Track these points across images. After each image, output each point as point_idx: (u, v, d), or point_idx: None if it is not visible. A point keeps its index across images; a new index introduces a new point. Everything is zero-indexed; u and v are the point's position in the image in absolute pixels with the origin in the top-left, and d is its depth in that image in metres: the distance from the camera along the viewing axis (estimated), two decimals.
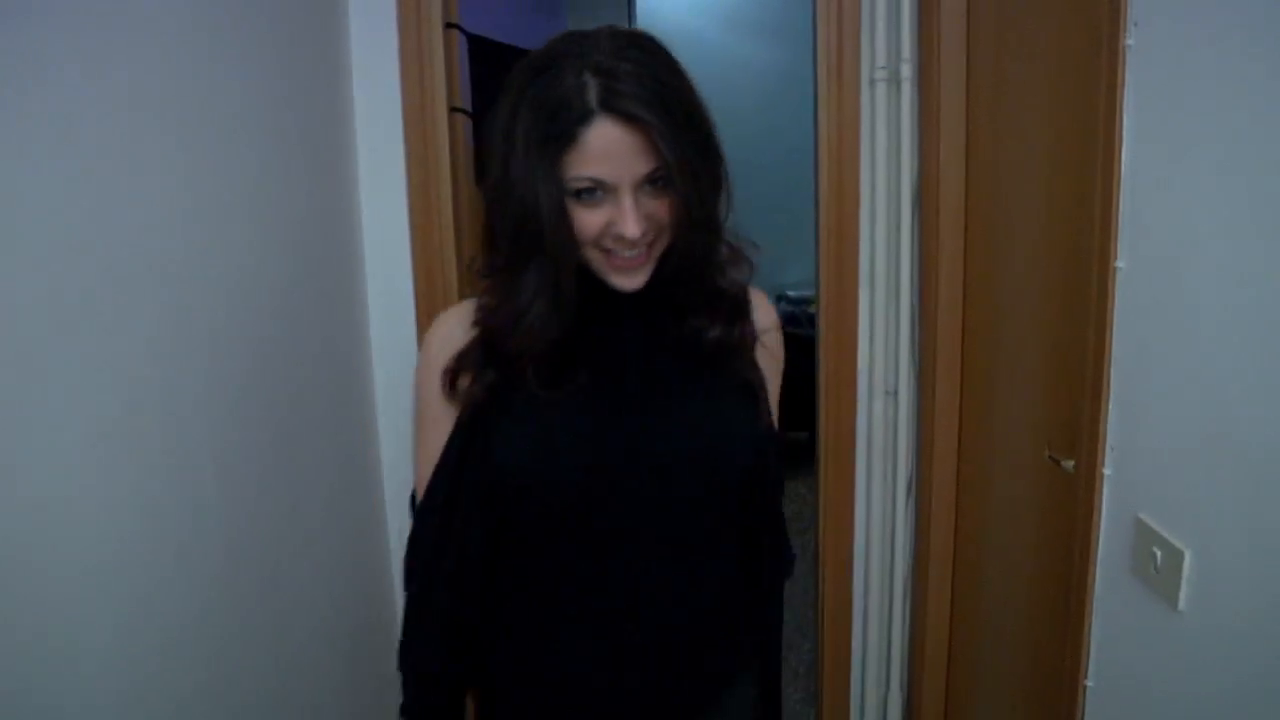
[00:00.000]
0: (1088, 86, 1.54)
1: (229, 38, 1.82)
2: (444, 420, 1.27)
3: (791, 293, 5.69)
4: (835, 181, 2.44)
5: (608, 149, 1.09)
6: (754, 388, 1.31)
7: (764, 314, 1.37)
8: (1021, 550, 2.06)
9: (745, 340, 1.29)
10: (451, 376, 1.25)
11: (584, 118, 1.07)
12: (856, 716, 2.78)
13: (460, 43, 2.49)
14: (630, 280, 1.19)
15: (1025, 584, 2.03)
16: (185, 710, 1.63)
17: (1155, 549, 1.38)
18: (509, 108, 1.15)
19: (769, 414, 1.34)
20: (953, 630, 2.51)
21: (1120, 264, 1.48)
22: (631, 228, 1.11)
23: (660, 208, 1.15)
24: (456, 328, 1.29)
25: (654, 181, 1.13)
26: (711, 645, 1.32)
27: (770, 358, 1.36)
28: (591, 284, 1.20)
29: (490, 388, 1.22)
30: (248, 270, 1.86)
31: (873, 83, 2.40)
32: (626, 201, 1.11)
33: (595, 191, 1.12)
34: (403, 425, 2.56)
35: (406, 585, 1.36)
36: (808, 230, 2.59)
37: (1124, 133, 1.45)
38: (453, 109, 2.45)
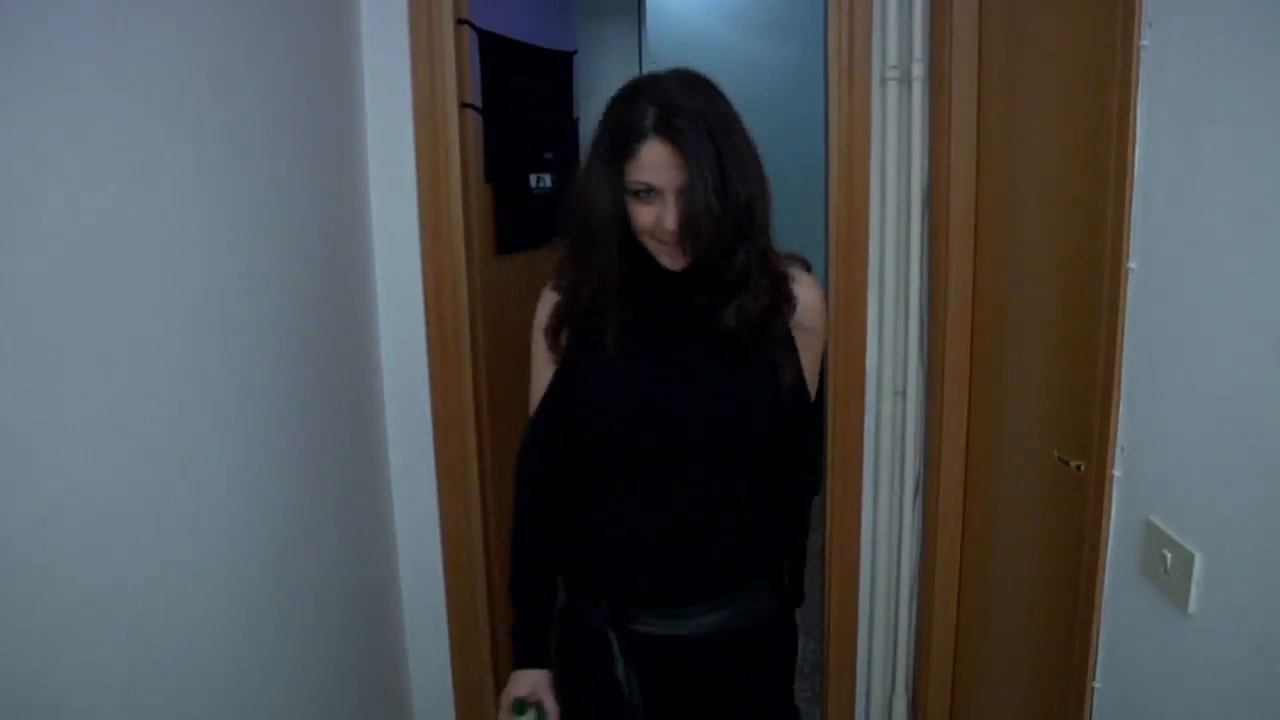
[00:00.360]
0: (1101, 87, 1.53)
1: (241, 35, 1.83)
2: (546, 366, 1.68)
3: None
4: (845, 181, 2.44)
5: (656, 161, 1.41)
6: (777, 364, 1.56)
7: (806, 291, 1.60)
8: (1029, 551, 2.06)
9: (774, 323, 1.55)
10: (551, 335, 1.64)
11: (641, 137, 1.41)
12: (862, 717, 2.77)
13: (471, 39, 2.49)
14: (674, 262, 1.51)
15: (1033, 585, 2.03)
16: (194, 704, 1.63)
17: (1166, 551, 1.38)
18: (598, 128, 1.51)
19: (798, 381, 1.60)
20: (959, 631, 2.50)
21: (1132, 265, 1.48)
22: (670, 222, 1.44)
23: (691, 210, 1.42)
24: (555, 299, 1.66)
25: (686, 190, 1.42)
26: (724, 545, 1.62)
27: (808, 334, 1.61)
28: (649, 272, 1.53)
29: (570, 345, 1.62)
30: (258, 267, 1.87)
31: (884, 82, 2.39)
32: (669, 200, 1.43)
33: (648, 193, 1.44)
34: (411, 421, 2.57)
35: (517, 492, 1.73)
36: (817, 230, 2.59)
37: (1137, 133, 1.44)
38: (463, 105, 2.45)
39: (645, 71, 1.60)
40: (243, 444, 1.79)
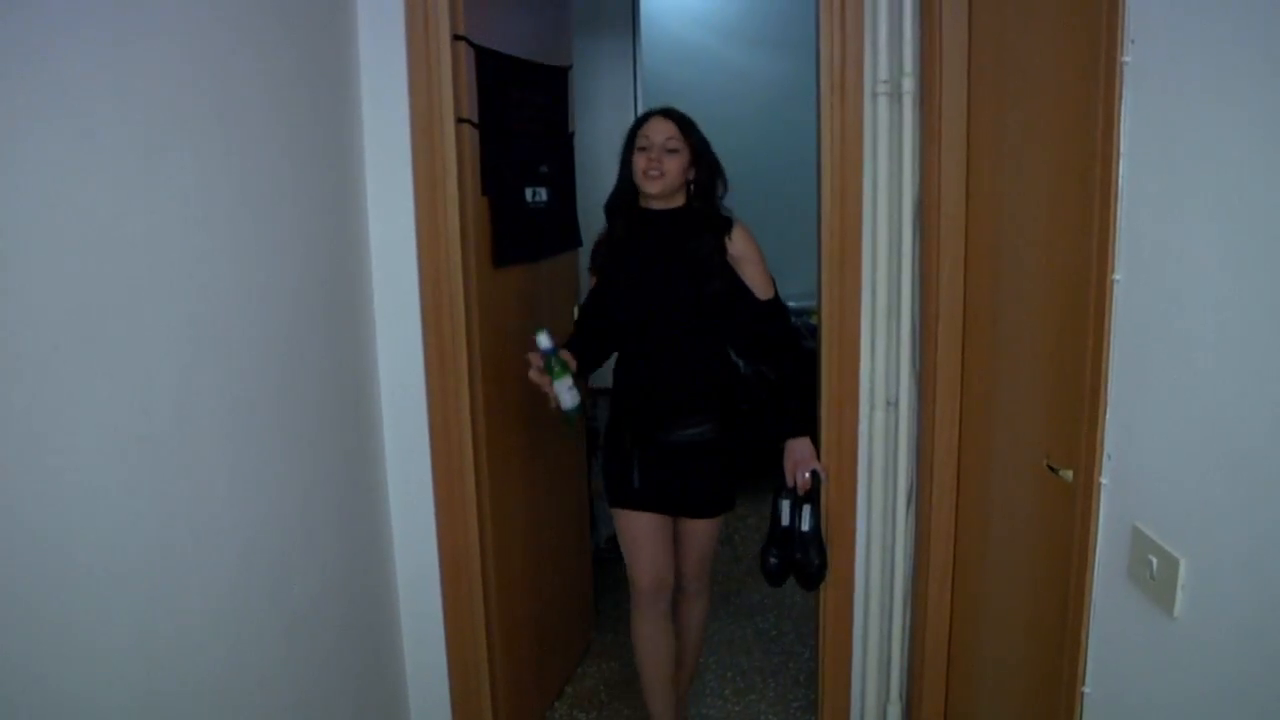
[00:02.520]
0: (1086, 102, 1.56)
1: (243, 55, 1.86)
2: (591, 282, 2.76)
3: (793, 304, 5.67)
4: (837, 193, 2.47)
5: (654, 128, 2.54)
6: (715, 274, 2.54)
7: (736, 232, 2.57)
8: (1020, 559, 2.08)
9: (714, 252, 2.54)
10: (595, 262, 2.73)
11: (649, 115, 2.59)
12: None
13: (467, 55, 2.51)
14: (651, 186, 2.53)
15: (1024, 592, 2.05)
16: (198, 706, 1.65)
17: (1151, 557, 1.40)
18: (629, 130, 2.64)
19: (731, 285, 2.56)
20: (952, 638, 2.52)
21: (1118, 276, 1.50)
22: (655, 159, 2.52)
23: (673, 161, 2.52)
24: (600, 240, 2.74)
25: (670, 149, 2.52)
26: (691, 390, 2.63)
27: (743, 261, 2.57)
28: (644, 220, 2.61)
29: (602, 268, 2.71)
30: (257, 279, 1.89)
31: (875, 96, 2.42)
32: (656, 146, 2.52)
33: (646, 147, 2.53)
34: (408, 432, 2.59)
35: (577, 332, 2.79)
36: (809, 242, 2.62)
37: (1121, 147, 1.47)
38: (460, 120, 2.48)
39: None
40: (243, 453, 1.82)
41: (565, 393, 2.48)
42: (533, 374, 2.50)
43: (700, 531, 2.74)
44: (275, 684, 1.94)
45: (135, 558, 1.48)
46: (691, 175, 2.56)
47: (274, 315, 1.96)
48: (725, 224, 2.56)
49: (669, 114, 2.56)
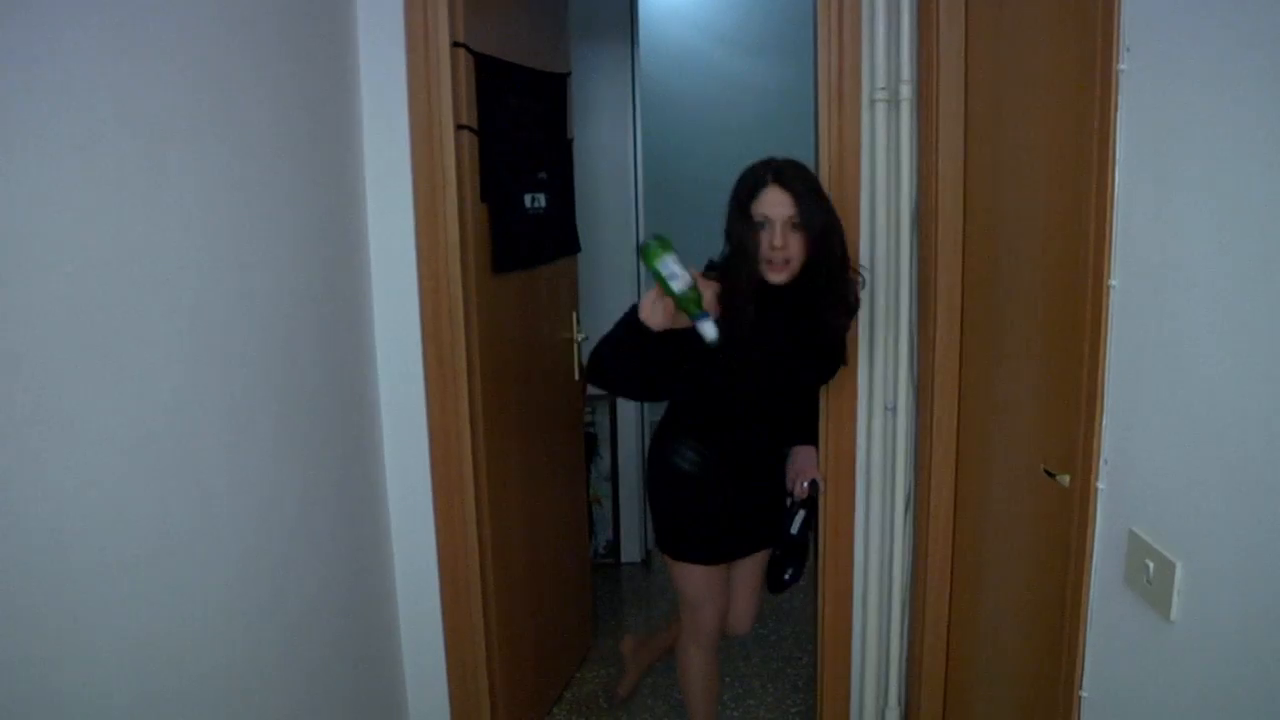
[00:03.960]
0: (1082, 109, 1.57)
1: (243, 62, 1.86)
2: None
3: None
4: (836, 199, 2.47)
5: (772, 200, 2.20)
6: (834, 349, 2.39)
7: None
8: (1018, 563, 2.09)
9: (840, 325, 2.34)
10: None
11: (763, 184, 2.22)
12: None
13: (467, 62, 2.52)
14: (777, 276, 2.23)
15: (1021, 597, 2.06)
16: (196, 709, 1.66)
17: (1148, 561, 1.41)
18: (733, 189, 2.27)
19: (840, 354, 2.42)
20: (950, 643, 2.53)
21: (1114, 282, 1.51)
22: (779, 240, 2.18)
23: (796, 240, 2.21)
24: (712, 295, 2.20)
25: (794, 225, 2.19)
26: (765, 466, 2.63)
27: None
28: (766, 291, 2.24)
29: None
30: (257, 286, 1.90)
31: (873, 103, 2.44)
32: (778, 227, 2.19)
33: (764, 224, 2.20)
34: (408, 437, 2.59)
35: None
36: None
37: (1117, 154, 1.48)
38: (459, 126, 2.49)
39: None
40: (241, 458, 1.82)
41: (710, 328, 2.07)
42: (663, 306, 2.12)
43: (756, 563, 2.70)
44: (273, 688, 1.94)
45: (133, 562, 1.48)
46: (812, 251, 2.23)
47: (273, 321, 1.97)
48: (855, 305, 2.38)
49: (784, 181, 2.20)
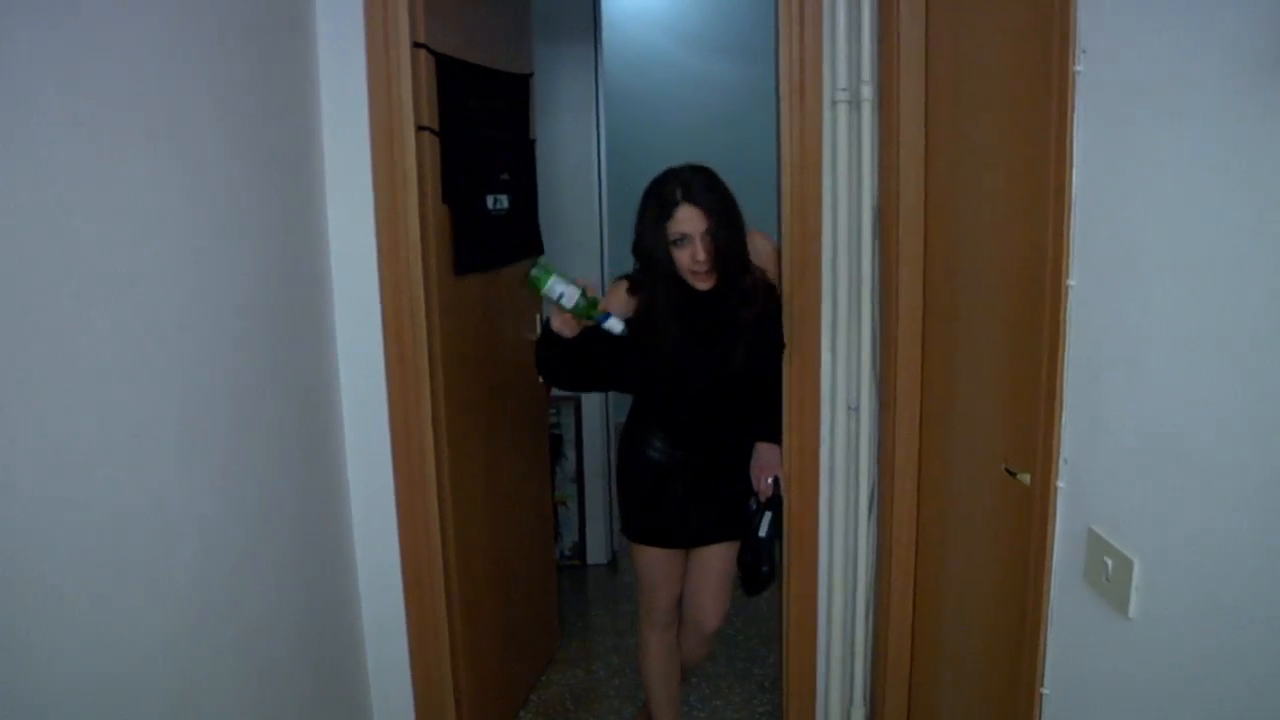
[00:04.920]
0: (1039, 110, 1.58)
1: (199, 56, 1.84)
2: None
3: None
4: (798, 200, 2.49)
5: (686, 218, 2.36)
6: (762, 337, 2.53)
7: (755, 244, 2.54)
8: (980, 562, 2.10)
9: (759, 313, 2.50)
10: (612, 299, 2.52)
11: (675, 204, 2.36)
12: None
13: (428, 63, 2.51)
14: (703, 283, 2.43)
15: (984, 595, 2.07)
16: (152, 714, 1.64)
17: (1107, 559, 1.42)
18: (643, 202, 2.44)
19: (776, 340, 2.58)
20: (915, 642, 2.54)
21: (1072, 282, 1.52)
22: (700, 255, 2.36)
23: (712, 248, 2.37)
24: (624, 292, 2.52)
25: (709, 233, 2.36)
26: (739, 431, 2.70)
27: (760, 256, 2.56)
28: (687, 290, 2.44)
29: (640, 330, 2.45)
30: (215, 288, 1.88)
31: (834, 104, 2.44)
32: (697, 244, 2.36)
33: (681, 240, 2.37)
34: (370, 439, 2.58)
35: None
36: None
37: (1074, 154, 1.49)
38: (420, 128, 2.47)
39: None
40: (197, 459, 1.80)
41: (615, 324, 2.37)
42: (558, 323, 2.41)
43: (720, 555, 2.73)
44: (232, 693, 1.92)
45: (85, 565, 1.46)
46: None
47: (231, 323, 1.95)
48: (771, 293, 2.55)
49: (694, 199, 2.36)
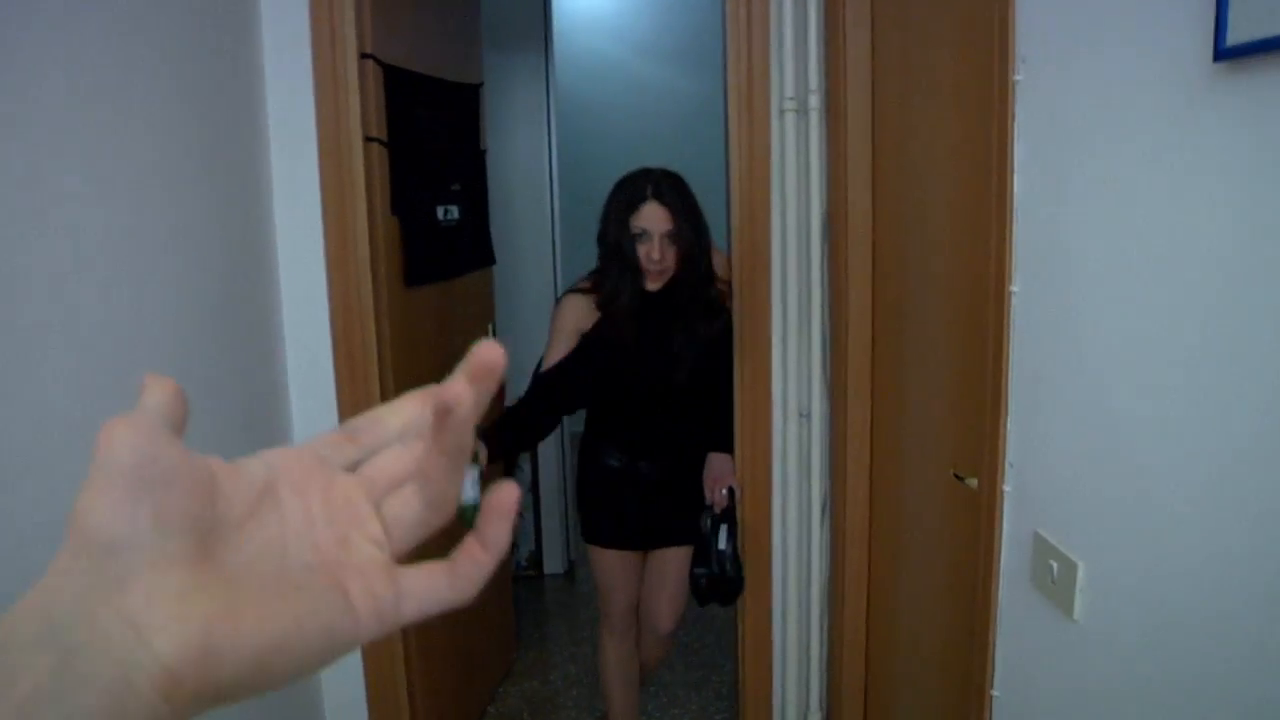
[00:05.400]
0: (982, 119, 1.60)
1: (140, 64, 1.82)
2: (564, 342, 2.61)
3: None
4: (747, 208, 2.50)
5: (650, 215, 2.43)
6: (717, 345, 2.59)
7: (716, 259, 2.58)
8: (931, 566, 2.12)
9: (718, 327, 2.57)
10: (574, 326, 2.60)
11: (643, 199, 2.44)
12: None
13: (376, 73, 2.49)
14: (653, 284, 2.51)
15: (936, 599, 2.09)
16: None
17: (1052, 562, 1.44)
18: (612, 193, 2.52)
19: (727, 360, 2.62)
20: (869, 646, 2.56)
21: (1015, 288, 1.54)
22: (656, 254, 2.43)
23: (671, 251, 2.46)
24: (581, 300, 2.60)
25: (670, 237, 2.44)
26: (688, 448, 2.74)
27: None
28: (645, 297, 2.51)
29: (595, 338, 2.57)
30: (157, 301, 1.85)
31: (782, 113, 2.46)
32: (655, 241, 2.43)
33: (642, 235, 2.44)
34: None
35: (538, 389, 2.65)
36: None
37: (1015, 162, 1.51)
38: (368, 138, 2.45)
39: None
40: None
41: (468, 486, 1.95)
42: None
43: (675, 558, 2.78)
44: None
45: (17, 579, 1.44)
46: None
47: (176, 336, 1.92)
48: (719, 307, 2.58)
49: (662, 197, 2.43)
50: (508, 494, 0.43)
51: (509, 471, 3.96)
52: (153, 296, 1.83)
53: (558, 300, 2.74)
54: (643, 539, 2.79)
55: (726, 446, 2.71)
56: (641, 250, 2.44)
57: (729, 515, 2.69)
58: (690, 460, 2.75)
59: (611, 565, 2.80)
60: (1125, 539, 1.29)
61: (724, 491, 2.67)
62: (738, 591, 2.70)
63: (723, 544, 2.67)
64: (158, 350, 1.84)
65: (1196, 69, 1.07)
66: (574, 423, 4.89)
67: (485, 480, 2.31)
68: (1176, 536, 1.18)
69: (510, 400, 2.75)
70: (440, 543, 0.45)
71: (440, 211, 2.92)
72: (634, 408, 2.71)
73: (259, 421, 2.35)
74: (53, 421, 1.52)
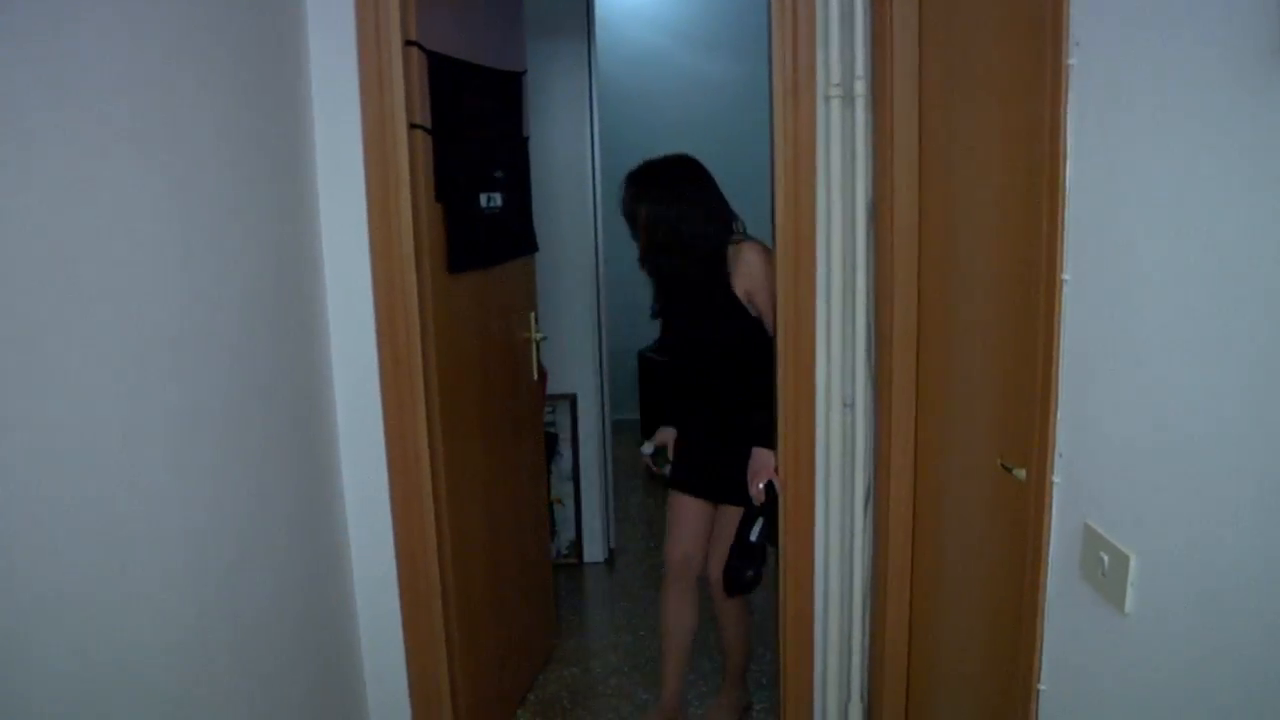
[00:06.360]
0: (1033, 104, 1.58)
1: (187, 54, 1.83)
2: None
3: None
4: (792, 196, 2.48)
5: (626, 203, 2.92)
6: (729, 306, 2.82)
7: (742, 257, 2.80)
8: (976, 558, 2.10)
9: (720, 283, 2.82)
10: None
11: (623, 193, 2.93)
12: None
13: (420, 61, 2.50)
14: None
15: (980, 591, 2.06)
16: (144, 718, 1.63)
17: (1103, 554, 1.42)
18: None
19: (744, 314, 2.83)
20: (911, 637, 2.54)
21: (1067, 276, 1.52)
22: (638, 240, 2.92)
23: (643, 234, 2.89)
24: None
25: (628, 220, 2.93)
26: (724, 408, 2.95)
27: (748, 279, 2.79)
28: (668, 276, 2.97)
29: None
30: (207, 289, 1.87)
31: (827, 99, 2.43)
32: (639, 228, 2.90)
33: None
34: (364, 439, 2.56)
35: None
36: (764, 242, 2.62)
37: (1068, 149, 1.49)
38: (413, 126, 2.46)
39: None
40: (191, 461, 1.79)
41: (646, 445, 3.25)
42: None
43: (726, 515, 2.94)
44: (227, 696, 1.91)
45: (76, 572, 1.45)
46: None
47: (224, 323, 1.94)
48: (714, 268, 2.83)
49: (630, 185, 2.89)
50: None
51: (550, 459, 4.02)
52: (199, 286, 1.84)
53: None
54: (695, 488, 3.04)
55: (768, 441, 2.74)
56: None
57: (766, 509, 2.73)
58: (728, 433, 2.92)
59: (672, 506, 3.11)
60: (1178, 531, 1.27)
61: (762, 486, 2.70)
62: (751, 586, 2.86)
63: (754, 536, 2.76)
64: (207, 337, 1.86)
65: (1258, 57, 1.04)
66: (617, 410, 4.91)
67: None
68: (1233, 530, 1.15)
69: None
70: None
71: (484, 199, 2.93)
72: (674, 371, 3.14)
73: (305, 406, 2.36)
74: (106, 412, 1.53)
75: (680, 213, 2.81)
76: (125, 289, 1.59)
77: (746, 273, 2.78)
